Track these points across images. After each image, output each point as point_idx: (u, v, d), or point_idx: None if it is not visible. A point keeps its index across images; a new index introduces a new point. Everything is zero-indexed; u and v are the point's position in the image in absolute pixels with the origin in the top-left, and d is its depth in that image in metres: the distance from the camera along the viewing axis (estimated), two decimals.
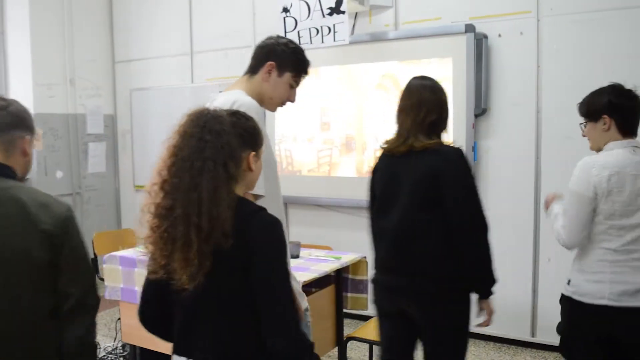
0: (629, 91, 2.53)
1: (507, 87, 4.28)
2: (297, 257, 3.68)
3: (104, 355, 4.11)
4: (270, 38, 2.49)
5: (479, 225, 2.36)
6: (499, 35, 4.29)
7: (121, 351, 4.08)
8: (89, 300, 1.80)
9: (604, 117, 2.49)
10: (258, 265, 1.61)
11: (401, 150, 2.45)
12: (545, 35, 4.16)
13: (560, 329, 2.59)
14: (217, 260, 1.59)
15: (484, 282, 2.41)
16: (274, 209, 1.93)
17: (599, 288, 2.37)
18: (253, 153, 1.74)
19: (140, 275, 3.73)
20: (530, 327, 4.27)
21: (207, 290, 1.61)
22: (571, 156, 3.95)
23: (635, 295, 2.32)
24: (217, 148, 1.60)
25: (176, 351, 1.78)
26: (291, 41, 2.50)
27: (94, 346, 1.84)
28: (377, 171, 2.60)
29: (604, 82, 3.92)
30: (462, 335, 2.46)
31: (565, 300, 2.51)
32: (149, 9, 6.10)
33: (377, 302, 2.62)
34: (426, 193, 2.36)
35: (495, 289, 2.43)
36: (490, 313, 2.46)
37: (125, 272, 3.84)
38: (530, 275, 4.22)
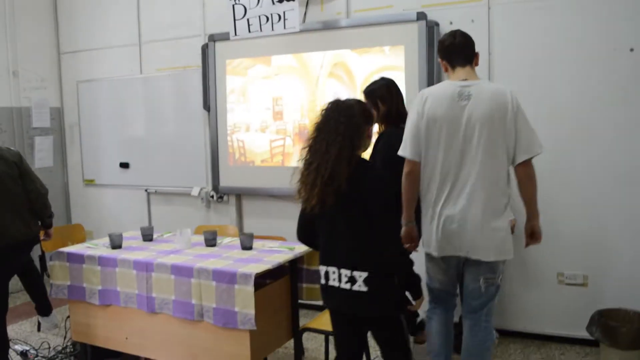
0: None
1: None
2: (250, 248, 3.63)
3: (54, 355, 3.98)
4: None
5: None
6: (451, 23, 4.28)
7: (72, 349, 3.96)
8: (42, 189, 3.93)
9: None
10: (373, 202, 2.41)
11: None
12: (496, 23, 4.17)
13: None
14: (341, 197, 2.41)
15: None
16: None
17: None
18: (370, 127, 2.60)
19: (88, 272, 3.64)
20: None
21: (337, 217, 2.48)
22: None
23: None
24: (347, 127, 2.45)
25: (322, 262, 2.59)
26: None
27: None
28: None
29: (555, 68, 4.03)
30: None
31: None
32: None
33: None
34: None
35: None
36: None
37: (72, 269, 3.72)
38: None
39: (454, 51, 2.93)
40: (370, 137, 2.61)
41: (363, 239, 2.44)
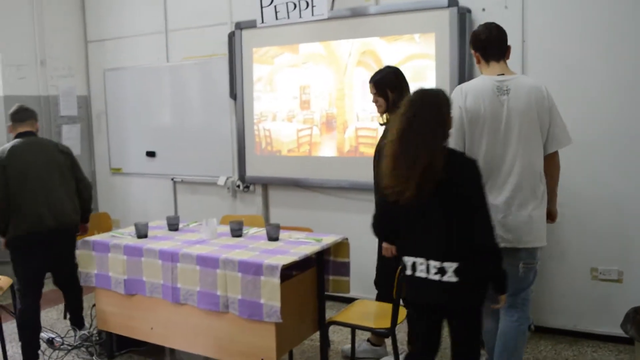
0: None
1: None
2: (276, 239, 3.58)
3: (79, 343, 3.98)
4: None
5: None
6: (483, 10, 4.17)
7: (97, 338, 3.96)
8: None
9: None
10: (469, 189, 2.43)
11: None
12: (530, 9, 4.04)
13: None
14: (439, 187, 2.37)
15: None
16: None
17: None
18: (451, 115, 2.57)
19: (114, 261, 3.62)
20: None
21: (432, 207, 2.43)
22: None
23: None
24: (438, 116, 2.47)
25: (408, 253, 2.51)
26: None
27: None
28: None
29: (591, 57, 3.89)
30: None
31: None
32: None
33: None
34: None
35: None
36: None
37: (98, 258, 3.72)
38: None
39: (489, 45, 2.98)
40: (450, 127, 2.57)
41: (458, 228, 2.42)
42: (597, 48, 3.87)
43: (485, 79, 2.95)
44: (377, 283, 3.67)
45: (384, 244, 3.25)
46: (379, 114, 3.55)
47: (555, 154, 2.98)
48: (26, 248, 3.71)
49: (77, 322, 4.18)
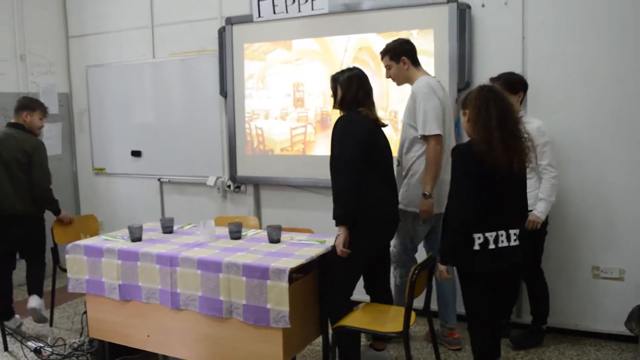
0: None
1: (491, 60, 4.10)
2: (277, 241, 3.46)
3: (70, 352, 3.81)
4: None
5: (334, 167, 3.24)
6: (483, 6, 4.11)
7: (88, 347, 3.79)
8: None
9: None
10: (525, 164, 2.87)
11: None
12: (530, 6, 3.99)
13: None
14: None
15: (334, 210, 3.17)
16: None
17: None
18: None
19: (107, 266, 3.47)
20: None
21: (512, 182, 2.83)
22: (558, 131, 3.87)
23: None
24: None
25: (490, 228, 2.80)
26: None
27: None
28: None
29: (591, 54, 3.85)
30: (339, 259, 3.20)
31: None
32: None
33: None
34: None
35: None
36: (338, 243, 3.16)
37: (90, 263, 3.55)
38: None
39: (415, 52, 3.74)
40: None
41: (523, 199, 2.96)
42: (598, 45, 3.84)
43: (430, 77, 3.71)
44: (368, 288, 3.58)
45: (443, 267, 2.99)
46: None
47: None
48: None
49: (32, 289, 4.31)
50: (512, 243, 2.82)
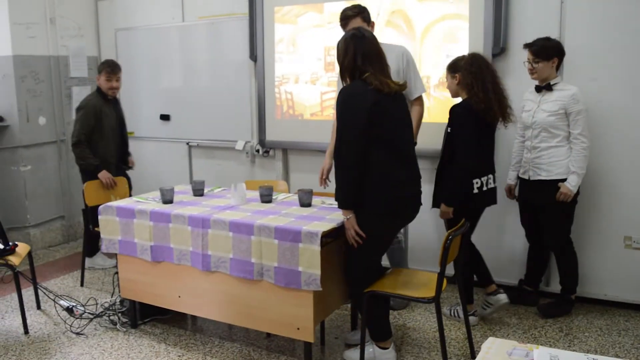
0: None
1: (527, 24, 4.00)
2: (309, 205, 3.46)
3: (102, 312, 3.88)
4: None
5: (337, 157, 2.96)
6: None
7: (119, 307, 3.86)
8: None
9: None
10: None
11: None
12: None
13: None
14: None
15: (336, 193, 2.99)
16: None
17: None
18: None
19: (140, 227, 3.50)
20: None
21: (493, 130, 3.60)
22: (596, 98, 3.78)
23: None
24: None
25: (485, 173, 3.54)
26: None
27: None
28: None
29: (632, 19, 3.73)
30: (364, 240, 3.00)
31: None
32: None
33: None
34: None
35: None
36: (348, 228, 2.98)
37: (123, 224, 3.59)
38: None
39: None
40: None
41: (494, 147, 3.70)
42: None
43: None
44: (353, 294, 3.31)
45: (449, 209, 3.56)
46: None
47: None
48: None
49: None
50: (493, 185, 3.60)
